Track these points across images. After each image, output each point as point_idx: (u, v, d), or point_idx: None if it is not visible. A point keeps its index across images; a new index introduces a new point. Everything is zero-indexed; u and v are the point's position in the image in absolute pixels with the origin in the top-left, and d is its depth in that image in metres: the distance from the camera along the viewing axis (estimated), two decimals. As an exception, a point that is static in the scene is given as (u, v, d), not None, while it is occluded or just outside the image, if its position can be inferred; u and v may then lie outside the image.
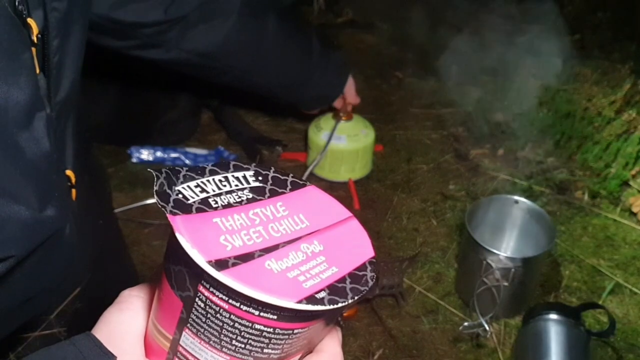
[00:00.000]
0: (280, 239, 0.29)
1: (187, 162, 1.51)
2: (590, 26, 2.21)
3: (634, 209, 1.39)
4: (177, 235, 0.27)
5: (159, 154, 1.51)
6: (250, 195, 0.32)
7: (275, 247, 0.28)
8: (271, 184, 0.33)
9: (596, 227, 1.36)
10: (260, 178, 0.33)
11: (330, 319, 0.30)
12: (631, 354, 1.09)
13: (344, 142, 1.43)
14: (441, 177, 1.52)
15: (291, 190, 0.33)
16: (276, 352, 0.28)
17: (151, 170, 0.29)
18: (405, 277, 1.20)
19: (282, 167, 1.55)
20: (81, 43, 0.56)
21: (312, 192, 0.34)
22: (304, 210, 0.32)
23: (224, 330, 0.27)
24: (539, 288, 1.20)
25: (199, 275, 0.26)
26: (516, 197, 1.18)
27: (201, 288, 0.26)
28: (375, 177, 1.52)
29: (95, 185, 1.11)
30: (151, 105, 1.54)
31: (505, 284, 1.05)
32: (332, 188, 1.47)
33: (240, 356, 0.27)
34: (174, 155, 1.51)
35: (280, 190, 0.33)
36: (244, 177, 0.33)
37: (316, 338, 0.30)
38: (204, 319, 0.27)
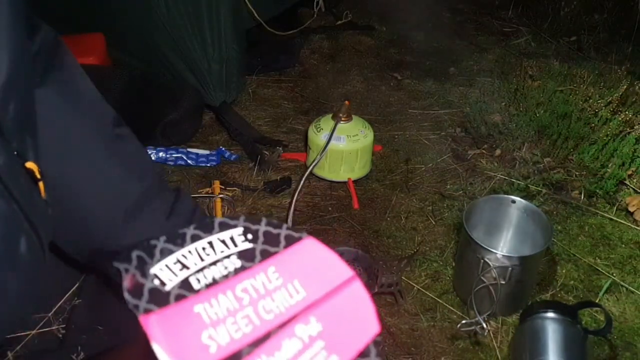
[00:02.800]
0: (272, 322, 0.26)
1: (190, 162, 1.52)
2: (586, 28, 2.23)
3: (630, 209, 1.40)
4: (154, 345, 0.24)
5: (161, 154, 1.53)
6: (239, 264, 0.28)
7: (266, 337, 0.25)
8: (262, 242, 0.29)
9: (592, 227, 1.37)
10: (249, 237, 0.29)
11: None
12: (628, 352, 1.10)
13: (344, 143, 1.45)
14: (439, 177, 1.53)
15: (285, 246, 0.29)
16: None
17: (117, 264, 0.26)
18: (404, 276, 1.22)
19: (282, 166, 1.57)
20: (13, 12, 0.48)
21: (308, 248, 0.30)
22: (300, 275, 0.28)
23: None
24: (535, 286, 1.21)
25: None
26: (513, 197, 1.19)
27: None
28: (374, 177, 1.53)
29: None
30: (154, 106, 1.55)
31: (503, 282, 1.07)
32: (332, 188, 1.49)
33: None
34: (176, 155, 1.53)
35: (272, 250, 0.29)
36: (231, 238, 0.29)
37: None
38: None
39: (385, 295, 1.18)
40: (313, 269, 0.29)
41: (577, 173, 1.52)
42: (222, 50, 1.65)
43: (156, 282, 0.26)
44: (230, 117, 1.68)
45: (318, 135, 1.47)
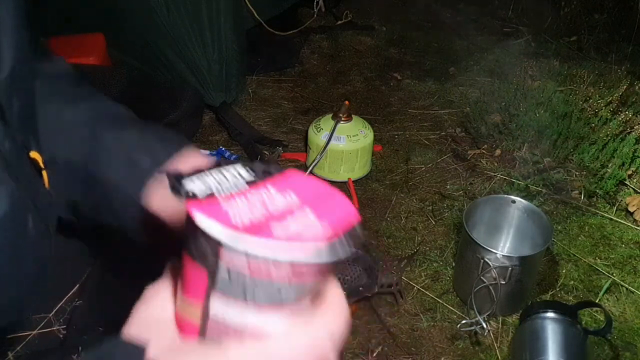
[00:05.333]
0: (278, 211, 0.34)
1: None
2: (587, 28, 2.23)
3: (630, 209, 1.40)
4: (196, 213, 0.31)
5: (160, 154, 1.53)
6: (246, 185, 0.36)
7: (276, 216, 0.33)
8: (261, 171, 0.38)
9: (592, 227, 1.37)
10: (248, 170, 0.38)
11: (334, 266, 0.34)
12: (628, 352, 1.10)
13: (344, 143, 1.45)
14: (439, 177, 1.53)
15: (277, 174, 0.38)
16: (291, 295, 0.32)
17: (163, 173, 0.34)
18: (404, 276, 1.22)
19: (282, 167, 1.56)
20: (16, 10, 0.50)
21: (295, 175, 0.38)
22: (292, 189, 0.36)
23: (245, 284, 0.31)
24: (535, 286, 1.21)
25: (219, 244, 0.30)
26: (513, 197, 1.19)
27: (223, 257, 0.31)
28: (374, 177, 1.53)
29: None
30: (153, 107, 1.55)
31: (503, 282, 1.07)
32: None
33: (263, 303, 0.32)
34: (175, 155, 1.53)
35: (268, 176, 0.38)
36: (236, 170, 0.37)
37: (324, 283, 0.35)
38: (227, 281, 0.31)
39: (385, 296, 1.18)
40: (301, 186, 0.38)
41: (577, 173, 1.52)
42: (222, 50, 1.65)
43: (189, 188, 0.34)
44: (230, 117, 1.68)
45: (318, 135, 1.47)
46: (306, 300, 0.33)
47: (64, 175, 0.58)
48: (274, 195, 0.35)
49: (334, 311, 0.34)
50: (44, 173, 0.52)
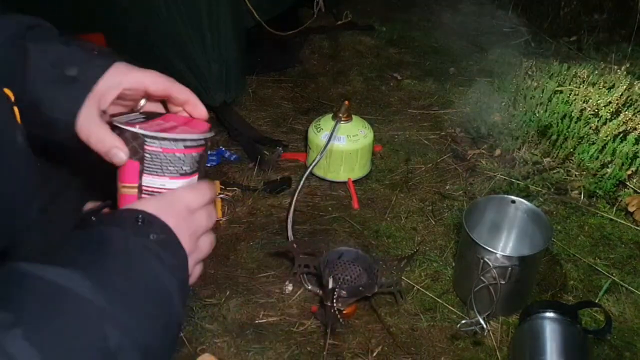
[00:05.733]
0: (169, 125, 0.55)
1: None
2: (586, 28, 2.23)
3: (630, 209, 1.40)
4: (128, 127, 0.51)
5: (160, 154, 1.53)
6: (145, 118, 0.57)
7: (168, 128, 0.54)
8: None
9: (592, 227, 1.37)
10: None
11: (205, 152, 0.56)
12: (628, 352, 1.10)
13: (344, 143, 1.45)
14: (439, 177, 1.53)
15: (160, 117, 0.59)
16: (189, 168, 0.54)
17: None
18: (404, 276, 1.22)
19: (282, 166, 1.57)
20: None
21: (172, 115, 0.62)
22: (170, 119, 0.58)
23: (161, 162, 0.52)
24: (535, 286, 1.21)
25: (143, 140, 0.51)
26: (513, 197, 1.19)
27: (146, 147, 0.51)
28: (374, 177, 1.53)
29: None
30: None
31: (503, 282, 1.07)
32: (332, 188, 1.49)
33: (173, 175, 0.53)
34: (175, 155, 1.53)
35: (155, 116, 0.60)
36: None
37: (203, 166, 0.56)
38: (150, 162, 0.52)
39: (385, 295, 1.18)
40: (176, 117, 0.63)
41: (576, 173, 1.52)
42: (222, 50, 1.65)
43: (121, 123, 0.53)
44: (230, 117, 1.68)
45: (318, 135, 1.47)
46: (195, 176, 0.55)
47: None
48: (164, 122, 0.56)
49: (210, 182, 0.55)
50: (16, 109, 0.55)
